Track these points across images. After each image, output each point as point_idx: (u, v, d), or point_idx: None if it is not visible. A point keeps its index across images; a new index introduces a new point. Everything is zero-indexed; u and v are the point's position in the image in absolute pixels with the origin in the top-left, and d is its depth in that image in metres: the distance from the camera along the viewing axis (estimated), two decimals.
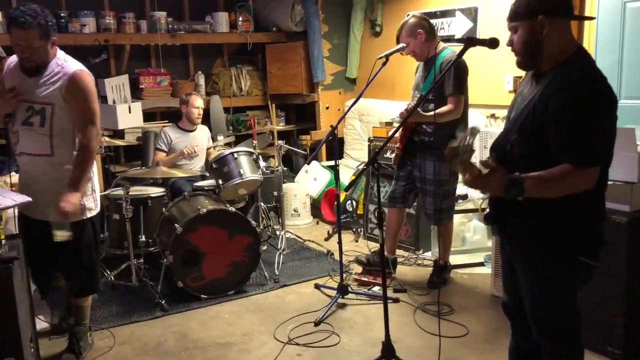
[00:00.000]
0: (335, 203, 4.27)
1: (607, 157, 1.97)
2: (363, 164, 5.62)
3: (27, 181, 3.01)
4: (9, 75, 2.95)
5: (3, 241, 2.47)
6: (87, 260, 3.09)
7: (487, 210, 2.15)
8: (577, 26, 4.07)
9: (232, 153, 4.28)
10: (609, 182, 2.92)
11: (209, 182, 4.58)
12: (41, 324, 3.48)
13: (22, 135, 2.92)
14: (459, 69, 3.62)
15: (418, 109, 3.54)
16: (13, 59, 2.99)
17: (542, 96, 1.95)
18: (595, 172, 1.89)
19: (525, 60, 2.04)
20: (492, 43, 2.13)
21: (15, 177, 3.88)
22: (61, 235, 2.78)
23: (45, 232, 2.84)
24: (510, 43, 2.06)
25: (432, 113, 3.64)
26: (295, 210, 5.61)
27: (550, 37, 1.96)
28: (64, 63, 2.93)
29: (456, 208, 4.10)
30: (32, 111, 2.90)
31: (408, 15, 4.05)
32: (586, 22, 4.06)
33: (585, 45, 4.10)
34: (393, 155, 4.09)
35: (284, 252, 4.56)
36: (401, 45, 3.80)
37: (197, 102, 4.86)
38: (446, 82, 3.65)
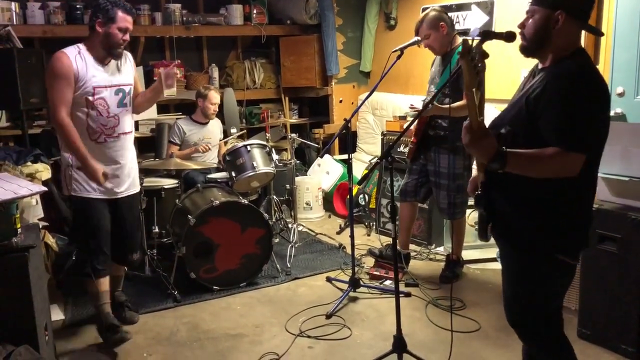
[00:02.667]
0: (348, 197, 4.27)
1: (594, 148, 1.96)
2: (376, 158, 5.61)
3: (115, 160, 3.21)
4: (83, 69, 3.03)
5: (19, 230, 2.49)
6: (139, 226, 3.62)
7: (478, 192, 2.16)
8: (594, 22, 4.02)
9: (245, 146, 4.29)
10: (625, 179, 2.93)
11: (222, 174, 4.60)
12: (55, 314, 3.52)
13: (121, 116, 3.20)
14: None
15: (434, 102, 3.53)
16: (71, 54, 3.02)
17: (537, 88, 1.98)
18: (580, 159, 1.89)
19: (531, 46, 2.07)
20: (509, 37, 2.11)
21: (30, 168, 3.91)
22: (170, 92, 3.25)
23: (119, 207, 3.27)
24: (522, 26, 2.08)
25: (447, 106, 3.63)
26: (307, 204, 5.62)
27: (560, 33, 2.00)
28: None
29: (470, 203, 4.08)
30: (122, 93, 3.19)
31: (426, 8, 4.02)
32: (605, 19, 4.01)
33: (603, 40, 4.05)
34: (406, 149, 4.08)
35: (296, 245, 4.57)
36: (416, 38, 3.78)
37: (215, 99, 4.86)
38: (462, 77, 3.63)
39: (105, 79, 3.11)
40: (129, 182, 3.29)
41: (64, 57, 3.01)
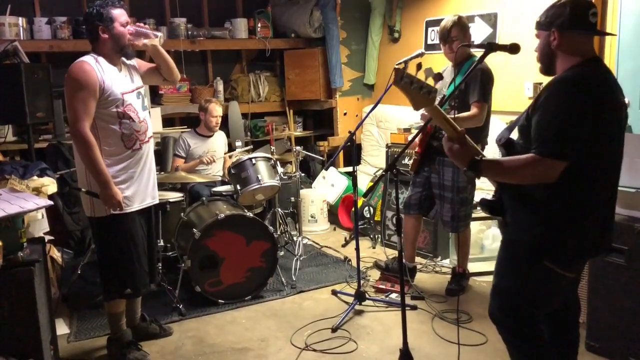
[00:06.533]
0: (353, 209, 4.26)
1: (580, 157, 1.96)
2: (381, 170, 5.61)
3: (150, 165, 3.17)
4: (108, 77, 2.91)
5: (25, 244, 2.50)
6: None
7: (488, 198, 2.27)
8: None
9: (250, 159, 4.29)
10: (632, 191, 2.92)
11: (227, 188, 4.60)
12: (61, 328, 3.52)
13: (147, 119, 3.12)
14: (485, 77, 3.56)
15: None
16: (92, 63, 2.90)
17: (538, 98, 2.07)
18: (556, 165, 1.95)
19: (543, 67, 2.21)
20: (513, 48, 2.14)
21: (36, 182, 3.93)
22: (153, 42, 3.09)
23: (151, 217, 3.25)
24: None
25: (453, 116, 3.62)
26: (312, 216, 5.61)
27: (560, 48, 2.09)
28: None
29: (474, 215, 4.06)
30: (141, 96, 3.12)
31: (430, 21, 4.01)
32: (608, 29, 4.01)
33: (607, 51, 4.05)
34: (410, 161, 4.06)
35: (301, 258, 4.55)
36: (420, 51, 3.79)
37: (216, 112, 4.88)
38: (471, 88, 3.60)
39: (127, 83, 3.02)
40: (153, 190, 3.21)
41: (86, 66, 2.86)
